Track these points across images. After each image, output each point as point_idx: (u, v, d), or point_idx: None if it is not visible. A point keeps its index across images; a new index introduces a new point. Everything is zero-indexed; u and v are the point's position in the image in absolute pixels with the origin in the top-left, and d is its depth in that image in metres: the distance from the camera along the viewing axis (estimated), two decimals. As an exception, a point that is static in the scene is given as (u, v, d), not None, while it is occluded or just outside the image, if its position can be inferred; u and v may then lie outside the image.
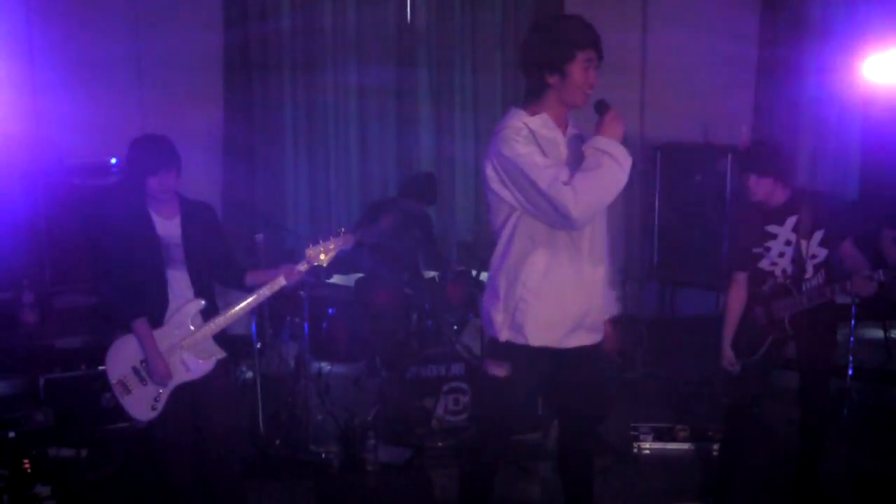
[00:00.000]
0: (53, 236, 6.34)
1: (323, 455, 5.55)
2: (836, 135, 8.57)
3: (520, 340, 3.80)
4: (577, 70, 3.67)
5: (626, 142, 3.71)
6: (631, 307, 7.89)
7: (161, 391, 4.37)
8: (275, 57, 7.79)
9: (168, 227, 4.42)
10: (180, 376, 4.39)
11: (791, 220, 4.69)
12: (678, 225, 7.50)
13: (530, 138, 3.68)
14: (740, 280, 4.86)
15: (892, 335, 7.21)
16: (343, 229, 4.61)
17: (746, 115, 8.15)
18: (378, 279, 6.68)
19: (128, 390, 4.38)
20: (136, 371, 4.37)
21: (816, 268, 4.69)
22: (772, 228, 4.73)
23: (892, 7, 8.11)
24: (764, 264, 4.78)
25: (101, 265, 4.54)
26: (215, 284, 4.64)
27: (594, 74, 3.71)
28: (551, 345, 3.81)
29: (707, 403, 6.35)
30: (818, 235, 4.67)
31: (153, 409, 4.38)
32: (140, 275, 4.34)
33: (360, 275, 6.97)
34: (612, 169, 3.61)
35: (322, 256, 4.51)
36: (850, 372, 6.38)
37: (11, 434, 5.38)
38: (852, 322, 6.30)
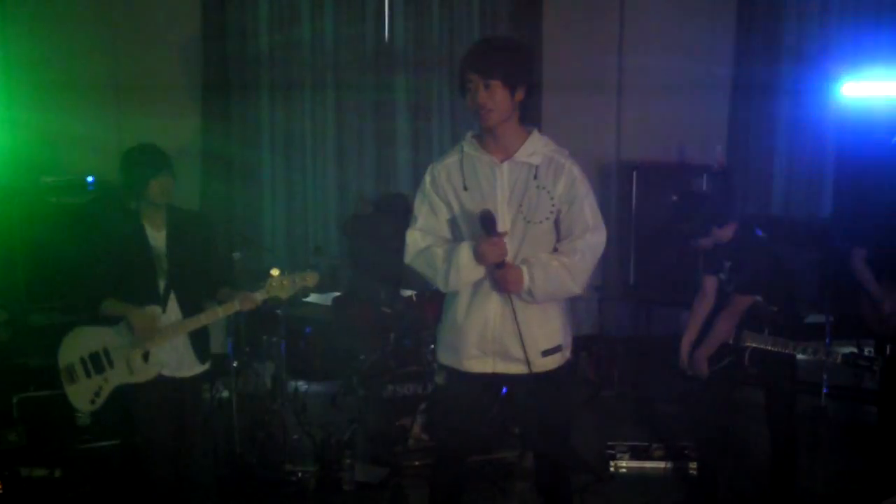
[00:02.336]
0: (29, 254, 6.30)
1: (299, 474, 5.52)
2: (809, 155, 8.63)
3: (438, 357, 4.03)
4: (468, 93, 3.69)
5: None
6: (607, 326, 7.91)
7: (101, 387, 4.43)
8: (253, 74, 7.80)
9: (157, 238, 4.46)
10: (122, 377, 4.41)
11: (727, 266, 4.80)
12: (654, 244, 7.53)
13: (444, 171, 3.85)
14: (709, 284, 4.89)
15: (866, 353, 7.24)
16: (309, 274, 4.64)
17: (721, 135, 8.21)
18: (355, 298, 6.67)
19: (73, 379, 4.48)
20: (83, 362, 4.47)
21: None
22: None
23: (864, 29, 8.21)
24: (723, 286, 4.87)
25: (89, 285, 4.50)
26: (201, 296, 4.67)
27: (481, 97, 3.63)
28: (453, 365, 3.92)
29: (684, 422, 6.37)
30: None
31: (92, 402, 4.48)
32: (135, 290, 4.37)
33: (338, 293, 6.96)
34: (451, 277, 3.76)
35: (283, 291, 4.56)
36: (824, 390, 6.41)
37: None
38: (827, 340, 6.34)
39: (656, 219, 7.39)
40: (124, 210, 4.44)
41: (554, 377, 3.89)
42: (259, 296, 4.54)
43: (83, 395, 4.48)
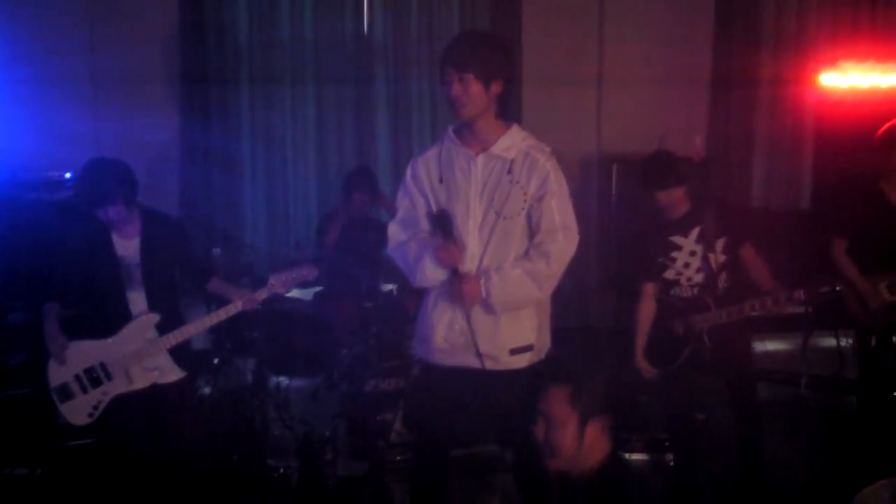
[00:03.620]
0: (6, 251, 6.25)
1: (281, 470, 5.51)
2: (789, 145, 8.67)
3: (415, 351, 4.14)
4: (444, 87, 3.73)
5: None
6: (589, 318, 7.92)
7: (101, 400, 4.39)
8: (232, 69, 7.77)
9: (128, 246, 4.41)
10: (121, 387, 4.38)
11: (695, 232, 4.76)
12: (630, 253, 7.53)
13: (424, 166, 3.90)
14: (648, 291, 4.93)
15: (845, 343, 7.28)
16: (307, 268, 4.70)
17: (701, 126, 8.23)
18: (336, 292, 6.65)
19: (69, 396, 4.43)
20: (78, 378, 4.42)
21: (723, 275, 4.77)
22: (676, 239, 4.80)
23: (844, 20, 8.24)
24: (669, 274, 4.85)
25: (52, 287, 4.48)
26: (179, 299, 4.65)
27: (455, 90, 3.67)
28: (425, 357, 3.99)
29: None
30: (721, 243, 4.75)
31: (90, 416, 4.45)
32: (97, 300, 4.34)
33: (319, 288, 6.93)
34: (417, 275, 3.84)
35: (283, 287, 4.62)
36: (804, 380, 6.45)
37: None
38: (805, 332, 6.38)
39: (637, 211, 7.40)
40: (91, 216, 4.36)
41: (522, 376, 3.86)
42: (260, 295, 4.56)
43: (80, 411, 4.45)
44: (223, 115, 7.79)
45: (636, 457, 5.76)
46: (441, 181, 3.81)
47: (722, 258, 4.75)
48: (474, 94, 3.66)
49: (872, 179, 5.42)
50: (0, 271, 6.14)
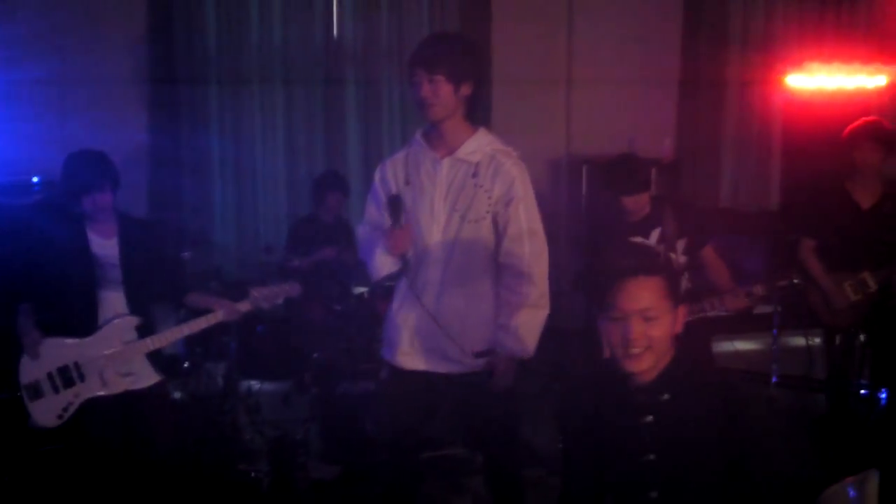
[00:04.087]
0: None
1: (252, 474, 5.49)
2: (757, 146, 8.73)
3: (382, 354, 4.05)
4: (412, 88, 3.73)
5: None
6: (560, 319, 7.93)
7: (72, 402, 4.34)
8: (201, 70, 7.72)
9: (106, 246, 4.37)
10: (94, 389, 4.35)
11: (655, 233, 4.77)
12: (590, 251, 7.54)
13: (392, 168, 3.91)
14: None
15: (814, 343, 7.34)
16: (291, 285, 4.69)
17: (670, 127, 8.27)
18: (307, 295, 6.64)
19: (38, 395, 4.36)
20: (50, 377, 4.34)
21: (684, 277, 4.76)
22: (637, 241, 4.72)
23: (810, 22, 8.32)
24: None
25: (27, 288, 4.43)
26: (155, 305, 4.63)
27: (425, 91, 3.66)
28: (393, 361, 3.94)
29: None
30: (681, 244, 4.76)
31: (60, 417, 4.36)
32: (67, 298, 4.29)
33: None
34: (371, 270, 3.86)
35: (266, 301, 4.55)
36: (773, 379, 6.50)
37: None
38: (774, 331, 6.42)
39: (608, 212, 7.42)
40: (67, 215, 4.34)
41: (487, 378, 3.85)
42: (242, 307, 4.51)
43: (50, 411, 4.35)
44: (192, 118, 7.75)
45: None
46: (407, 183, 3.81)
47: (682, 259, 4.76)
48: (444, 95, 3.65)
49: (839, 179, 5.47)
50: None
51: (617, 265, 2.54)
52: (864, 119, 5.44)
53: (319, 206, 6.67)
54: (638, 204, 4.75)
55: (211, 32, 7.74)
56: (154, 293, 4.59)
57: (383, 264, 3.77)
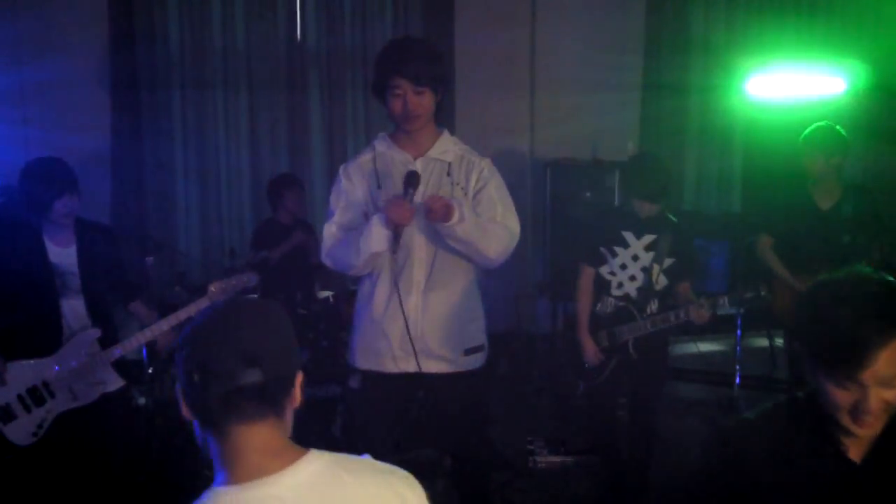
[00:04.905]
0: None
1: (218, 480, 5.45)
2: (719, 149, 8.81)
3: (353, 362, 3.96)
4: (390, 99, 3.68)
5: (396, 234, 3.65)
6: (523, 323, 7.96)
7: (45, 418, 4.30)
8: (163, 77, 7.70)
9: (63, 255, 4.34)
10: (66, 403, 4.32)
11: (648, 238, 4.68)
12: (569, 241, 7.59)
13: (358, 170, 3.85)
14: (588, 272, 4.80)
15: (777, 344, 7.42)
16: (247, 275, 4.64)
17: (633, 130, 8.32)
18: (271, 300, 6.61)
19: (11, 417, 4.30)
20: (21, 399, 4.29)
21: (658, 296, 4.71)
22: (627, 235, 4.70)
23: (771, 26, 8.40)
24: (603, 269, 4.76)
25: None
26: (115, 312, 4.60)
27: (408, 102, 3.65)
28: (374, 368, 3.88)
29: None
30: (668, 263, 4.67)
31: (35, 435, 4.33)
32: (30, 310, 4.25)
33: (253, 296, 6.88)
34: (361, 245, 3.66)
35: (225, 294, 4.49)
36: (737, 381, 6.56)
37: None
38: (738, 333, 6.48)
39: (571, 216, 7.47)
40: (24, 224, 4.30)
41: (474, 376, 3.92)
42: (202, 302, 4.45)
43: (24, 430, 4.32)
44: (155, 122, 7.72)
45: (575, 458, 5.76)
46: (379, 187, 3.79)
47: (662, 281, 4.69)
48: (428, 105, 3.68)
49: (799, 181, 5.52)
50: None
51: (867, 326, 2.06)
52: (814, 126, 5.48)
53: (277, 208, 6.65)
54: (650, 211, 4.69)
55: (173, 37, 7.71)
56: (112, 299, 4.57)
57: (378, 240, 3.63)
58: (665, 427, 6.01)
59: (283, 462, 2.00)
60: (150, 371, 5.80)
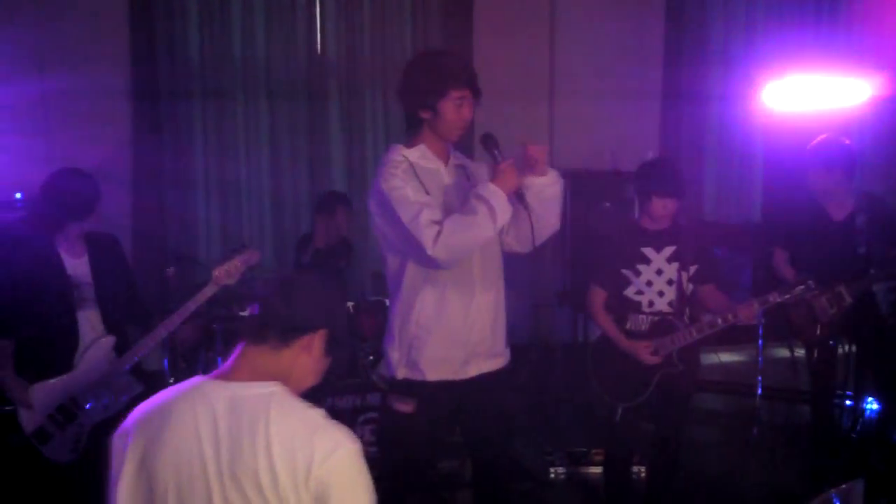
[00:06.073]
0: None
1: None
2: (739, 159, 8.77)
3: (417, 377, 3.82)
4: (448, 108, 3.66)
5: (519, 195, 3.64)
6: (543, 333, 7.94)
7: (80, 433, 4.29)
8: (184, 87, 7.72)
9: (77, 265, 4.34)
10: (97, 415, 4.31)
11: (669, 250, 4.62)
12: (589, 251, 7.55)
13: (409, 171, 3.70)
14: (599, 294, 4.74)
15: (798, 354, 7.37)
16: (248, 252, 4.48)
17: (653, 140, 8.30)
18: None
19: (48, 439, 4.28)
20: (52, 418, 4.28)
21: (689, 304, 4.66)
22: (647, 251, 4.64)
23: (788, 37, 8.37)
24: (629, 291, 4.67)
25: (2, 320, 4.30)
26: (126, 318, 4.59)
27: (468, 111, 3.70)
28: (448, 377, 3.82)
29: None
30: (692, 270, 4.63)
31: (74, 451, 4.32)
32: (50, 323, 4.24)
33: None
34: (484, 220, 3.52)
35: (230, 278, 4.39)
36: (759, 391, 6.52)
37: None
38: (759, 343, 6.44)
39: (590, 226, 7.44)
40: (42, 237, 4.30)
41: (509, 372, 4.01)
42: (209, 290, 4.38)
43: (62, 448, 4.30)
44: (175, 133, 7.74)
45: (595, 469, 5.72)
46: (427, 193, 3.69)
47: (690, 287, 4.65)
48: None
49: (812, 193, 5.49)
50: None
51: None
52: (817, 139, 5.44)
53: (327, 221, 6.63)
54: (666, 209, 4.58)
55: (194, 47, 7.74)
56: (124, 307, 4.56)
57: (504, 207, 3.55)
58: (686, 437, 5.99)
59: (249, 377, 2.42)
60: (171, 381, 5.81)
